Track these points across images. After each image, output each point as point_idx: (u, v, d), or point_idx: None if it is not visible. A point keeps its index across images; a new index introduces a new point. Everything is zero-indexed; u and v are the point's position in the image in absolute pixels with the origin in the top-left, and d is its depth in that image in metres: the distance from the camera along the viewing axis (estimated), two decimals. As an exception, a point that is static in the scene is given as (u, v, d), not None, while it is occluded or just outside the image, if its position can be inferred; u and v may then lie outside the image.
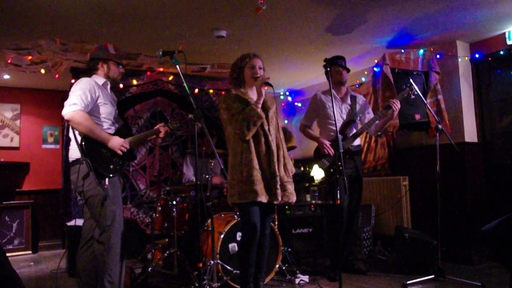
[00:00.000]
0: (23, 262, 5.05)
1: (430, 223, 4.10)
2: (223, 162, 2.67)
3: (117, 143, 2.73)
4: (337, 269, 3.56)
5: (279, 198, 2.80)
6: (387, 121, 3.74)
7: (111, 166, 2.70)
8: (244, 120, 2.75)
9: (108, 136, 2.72)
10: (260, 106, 2.81)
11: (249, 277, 2.86)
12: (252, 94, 2.94)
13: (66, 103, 2.62)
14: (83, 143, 2.61)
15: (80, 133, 2.64)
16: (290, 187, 2.90)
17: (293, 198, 2.91)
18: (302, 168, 5.07)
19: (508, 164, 4.31)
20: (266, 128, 2.86)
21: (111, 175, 2.68)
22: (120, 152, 2.74)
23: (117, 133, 2.84)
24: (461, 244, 4.22)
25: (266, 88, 2.91)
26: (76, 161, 2.70)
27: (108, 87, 2.93)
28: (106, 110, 2.81)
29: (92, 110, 2.73)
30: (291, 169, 3.01)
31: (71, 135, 2.72)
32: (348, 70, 3.91)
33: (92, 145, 2.65)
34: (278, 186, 2.80)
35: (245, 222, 2.86)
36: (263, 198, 2.75)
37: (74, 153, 2.73)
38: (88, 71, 2.95)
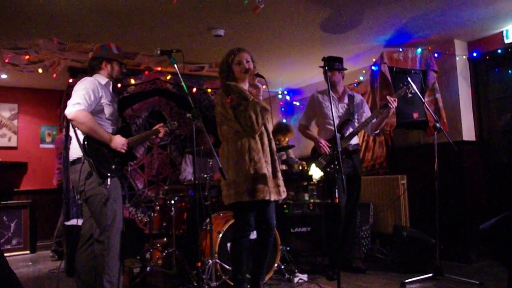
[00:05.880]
0: (21, 262, 5.04)
1: (428, 222, 4.10)
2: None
3: (119, 142, 2.74)
4: (335, 268, 3.56)
5: (281, 196, 2.83)
6: (383, 119, 3.74)
7: (113, 166, 2.71)
8: (252, 114, 2.66)
9: (110, 136, 2.73)
10: (261, 98, 2.77)
11: (243, 275, 2.84)
12: (248, 89, 2.91)
13: (70, 103, 2.62)
14: (85, 142, 2.61)
15: (82, 133, 2.64)
16: (282, 183, 2.91)
17: (285, 195, 2.93)
18: (300, 167, 5.06)
19: (506, 162, 4.32)
20: (267, 125, 2.86)
21: (113, 175, 2.69)
22: (123, 151, 2.76)
23: (118, 133, 2.85)
24: (460, 243, 4.23)
25: (263, 84, 2.90)
26: (77, 160, 2.70)
27: (110, 87, 2.93)
28: (109, 111, 2.82)
29: (95, 110, 2.73)
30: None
31: (72, 134, 2.72)
32: (339, 70, 3.86)
33: (94, 145, 2.65)
34: (280, 183, 2.83)
35: (241, 220, 2.84)
36: (271, 196, 2.74)
37: (75, 152, 2.73)
38: (90, 70, 2.94)
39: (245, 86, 2.90)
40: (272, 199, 2.76)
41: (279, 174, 2.86)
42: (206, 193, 3.77)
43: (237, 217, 2.91)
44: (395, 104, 3.58)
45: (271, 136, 2.89)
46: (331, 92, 3.78)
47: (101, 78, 2.87)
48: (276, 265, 3.61)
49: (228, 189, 2.76)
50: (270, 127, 2.91)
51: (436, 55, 4.45)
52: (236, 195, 2.72)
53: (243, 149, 2.74)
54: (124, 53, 4.54)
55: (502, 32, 4.23)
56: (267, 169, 2.76)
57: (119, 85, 4.97)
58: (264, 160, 2.77)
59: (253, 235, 3.36)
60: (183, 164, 4.98)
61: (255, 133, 2.72)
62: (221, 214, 3.76)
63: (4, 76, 5.35)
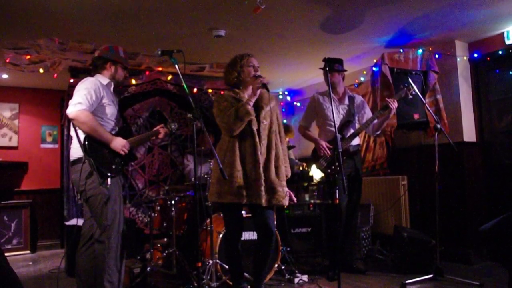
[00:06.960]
0: (21, 262, 5.04)
1: (429, 223, 4.11)
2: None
3: (120, 144, 2.74)
4: (336, 269, 3.56)
5: (263, 201, 2.67)
6: (384, 120, 3.73)
7: (113, 166, 2.72)
8: (231, 115, 2.70)
9: (111, 136, 2.73)
10: (251, 103, 2.74)
11: (240, 275, 2.85)
12: (247, 95, 2.87)
13: (71, 102, 2.62)
14: (86, 142, 2.61)
15: (83, 132, 2.65)
16: (281, 189, 2.76)
17: (284, 202, 2.77)
18: (301, 168, 5.07)
19: (507, 163, 4.31)
20: (255, 128, 2.75)
21: (113, 175, 2.69)
22: (122, 153, 2.75)
23: (119, 133, 2.85)
24: (460, 244, 4.23)
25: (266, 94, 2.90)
26: (78, 160, 2.71)
27: (112, 88, 2.93)
28: (110, 111, 2.82)
29: (96, 111, 2.73)
30: (286, 171, 2.88)
31: (72, 133, 2.72)
32: (339, 72, 3.84)
33: (95, 145, 2.65)
34: (263, 189, 2.68)
35: (226, 221, 2.92)
36: (242, 199, 2.67)
37: (76, 152, 2.73)
38: (93, 69, 2.93)
39: (247, 90, 2.88)
40: (243, 202, 2.69)
41: (262, 177, 2.68)
42: (206, 193, 3.77)
43: (223, 218, 2.98)
44: (395, 104, 3.58)
45: (258, 140, 2.74)
46: (331, 93, 3.80)
47: (102, 79, 2.87)
48: (276, 265, 3.61)
49: (210, 187, 2.88)
50: (265, 132, 2.80)
51: (437, 56, 4.45)
52: (210, 196, 2.84)
53: (221, 151, 2.81)
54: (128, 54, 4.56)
55: (503, 33, 4.23)
56: (242, 173, 2.70)
57: (119, 85, 4.99)
58: (243, 162, 2.72)
59: (253, 235, 3.37)
60: (185, 161, 4.99)
61: (232, 132, 2.72)
62: (222, 215, 3.76)
63: (5, 76, 5.35)
